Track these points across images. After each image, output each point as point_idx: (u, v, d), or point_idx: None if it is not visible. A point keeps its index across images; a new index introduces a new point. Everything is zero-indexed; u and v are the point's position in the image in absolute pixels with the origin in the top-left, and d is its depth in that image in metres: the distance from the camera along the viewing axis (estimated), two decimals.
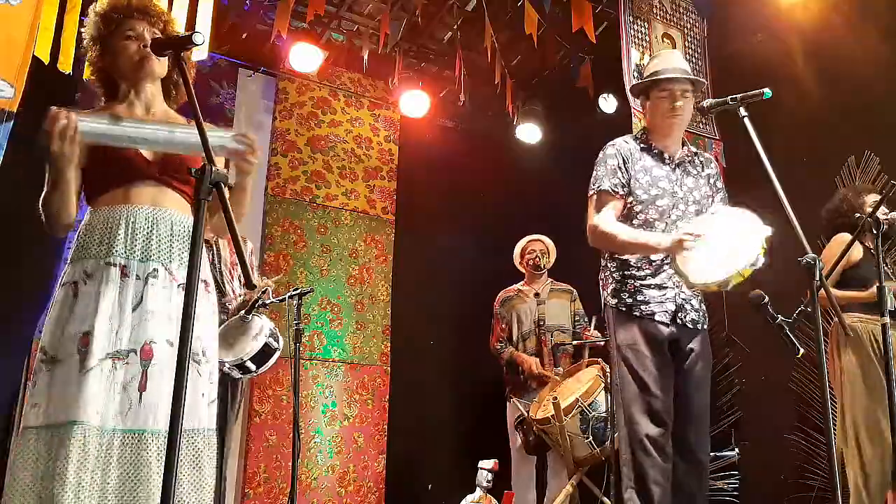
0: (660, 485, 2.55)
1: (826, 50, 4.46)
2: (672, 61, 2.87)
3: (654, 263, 2.74)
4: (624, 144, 2.85)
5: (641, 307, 2.70)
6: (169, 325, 1.87)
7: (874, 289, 2.49)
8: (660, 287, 2.72)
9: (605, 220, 2.73)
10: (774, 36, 4.83)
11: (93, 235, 1.92)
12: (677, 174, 2.83)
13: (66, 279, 1.90)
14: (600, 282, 2.90)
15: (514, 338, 4.60)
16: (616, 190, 2.76)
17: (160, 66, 2.05)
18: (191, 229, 1.99)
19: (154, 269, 1.90)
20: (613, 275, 2.81)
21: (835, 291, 3.48)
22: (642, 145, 2.85)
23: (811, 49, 4.57)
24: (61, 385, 1.77)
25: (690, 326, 2.73)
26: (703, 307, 2.83)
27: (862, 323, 3.47)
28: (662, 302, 2.71)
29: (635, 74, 4.45)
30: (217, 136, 1.91)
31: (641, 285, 2.73)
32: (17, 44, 2.25)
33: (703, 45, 4.97)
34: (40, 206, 1.93)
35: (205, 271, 2.00)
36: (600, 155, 2.86)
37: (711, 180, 2.92)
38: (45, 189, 1.92)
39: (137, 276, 1.88)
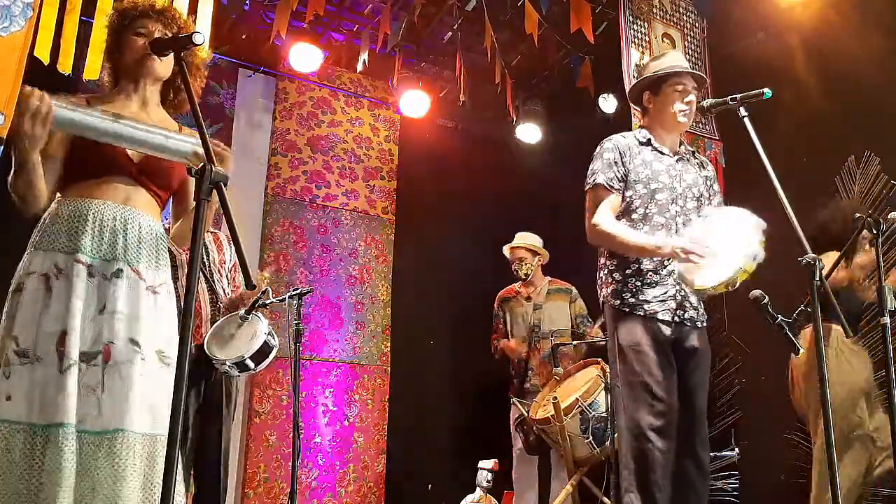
0: (663, 488, 2.50)
1: (826, 50, 4.46)
2: (681, 60, 2.86)
3: (655, 260, 2.69)
4: (622, 139, 2.81)
5: (644, 306, 2.65)
6: (134, 324, 1.86)
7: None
8: (661, 284, 2.68)
9: (604, 218, 2.69)
10: (774, 35, 4.83)
11: (60, 227, 1.88)
12: (677, 169, 2.80)
13: (35, 269, 1.85)
14: (598, 280, 2.85)
15: (511, 338, 4.62)
16: (612, 184, 2.72)
17: (162, 67, 2.03)
18: (160, 234, 2.00)
19: (118, 269, 1.87)
20: (614, 274, 2.74)
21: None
22: (641, 140, 2.81)
23: (811, 49, 4.57)
24: (43, 384, 1.75)
25: (689, 324, 2.70)
26: (702, 304, 2.79)
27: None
28: (664, 300, 2.66)
29: (635, 74, 4.45)
30: (190, 142, 1.90)
31: (644, 283, 2.68)
32: (8, 73, 2.26)
33: (702, 44, 4.96)
34: (9, 187, 1.86)
35: (168, 277, 2.00)
36: (597, 149, 2.82)
37: (709, 182, 2.89)
38: (11, 171, 1.85)
39: (103, 275, 1.86)
